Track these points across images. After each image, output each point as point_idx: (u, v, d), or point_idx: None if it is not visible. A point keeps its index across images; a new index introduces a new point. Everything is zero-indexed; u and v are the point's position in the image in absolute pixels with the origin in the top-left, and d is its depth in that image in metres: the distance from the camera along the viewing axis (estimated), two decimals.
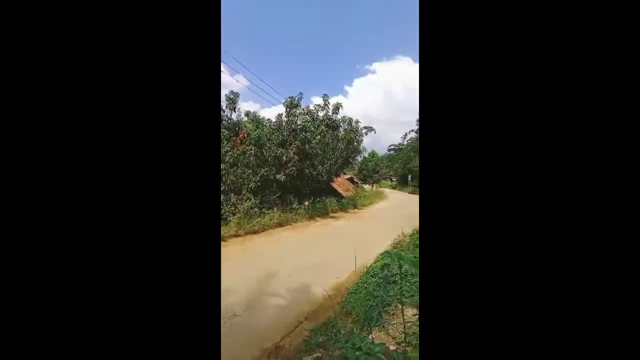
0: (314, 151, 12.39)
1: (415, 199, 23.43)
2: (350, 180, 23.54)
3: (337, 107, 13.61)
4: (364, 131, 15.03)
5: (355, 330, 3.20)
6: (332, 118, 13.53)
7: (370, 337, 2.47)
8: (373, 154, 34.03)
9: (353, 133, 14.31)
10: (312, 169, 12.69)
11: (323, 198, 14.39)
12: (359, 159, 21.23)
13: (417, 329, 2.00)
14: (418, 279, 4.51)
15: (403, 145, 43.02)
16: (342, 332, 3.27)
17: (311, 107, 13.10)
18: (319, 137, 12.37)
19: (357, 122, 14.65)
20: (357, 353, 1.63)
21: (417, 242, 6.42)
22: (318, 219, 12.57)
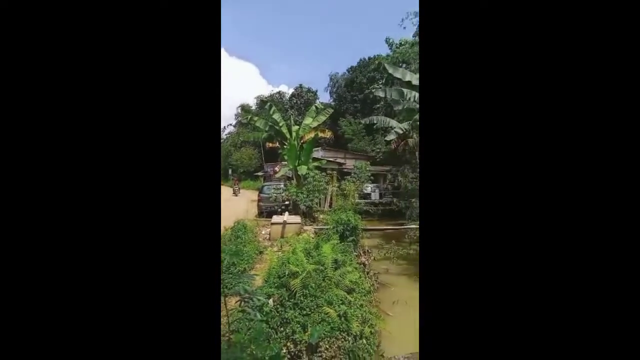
0: None
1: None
2: None
3: None
4: None
5: None
6: None
7: None
8: None
9: None
10: None
11: None
12: None
13: (239, 315, 2.11)
14: (240, 268, 4.65)
15: (222, 139, 42.31)
16: None
17: None
18: None
19: None
20: None
21: (238, 233, 6.64)
22: None
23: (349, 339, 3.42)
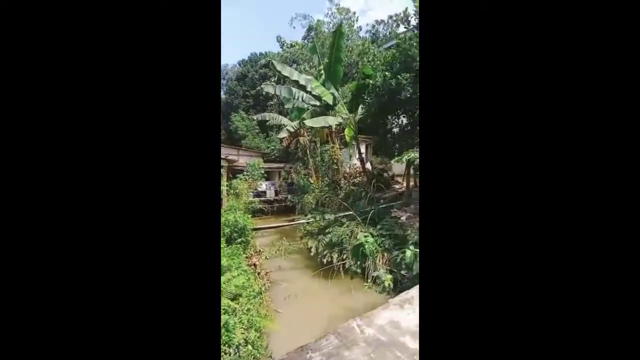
0: None
1: None
2: None
3: None
4: None
5: None
6: None
7: None
8: None
9: None
10: None
11: None
12: None
13: None
14: None
15: None
16: None
17: None
18: None
19: None
20: None
21: None
22: None
23: (230, 350, 3.17)
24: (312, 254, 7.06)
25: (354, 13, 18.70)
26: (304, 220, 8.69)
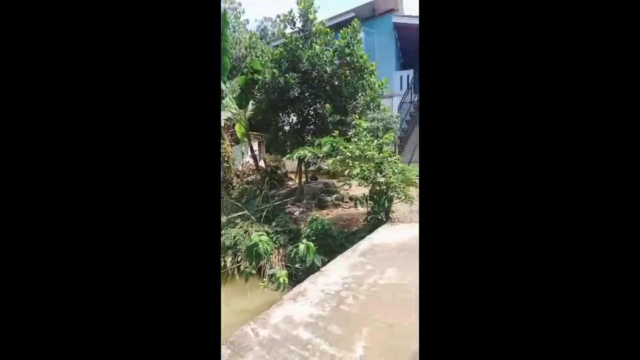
0: None
1: None
2: None
3: None
4: None
5: None
6: None
7: None
8: None
9: None
10: None
11: None
12: None
13: None
14: None
15: None
16: None
17: None
18: None
19: None
20: None
21: None
22: None
23: None
24: None
25: (240, 4, 17.92)
26: None
